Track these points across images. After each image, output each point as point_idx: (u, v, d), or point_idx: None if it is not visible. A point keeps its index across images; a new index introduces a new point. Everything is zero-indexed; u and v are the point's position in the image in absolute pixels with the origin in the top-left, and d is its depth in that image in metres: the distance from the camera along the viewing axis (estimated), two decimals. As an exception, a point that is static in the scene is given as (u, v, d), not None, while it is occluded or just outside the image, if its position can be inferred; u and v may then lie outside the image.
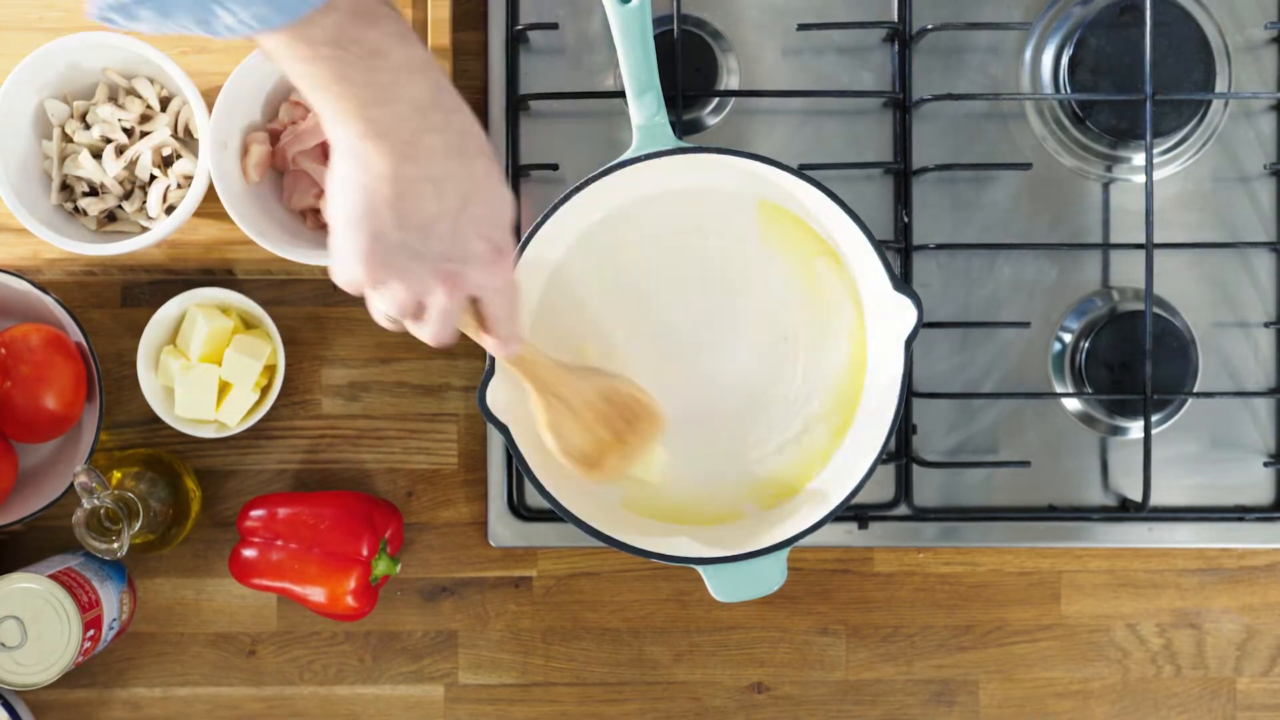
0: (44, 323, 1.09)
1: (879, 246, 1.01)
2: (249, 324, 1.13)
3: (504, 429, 1.00)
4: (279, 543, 1.09)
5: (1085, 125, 1.13)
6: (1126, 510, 1.14)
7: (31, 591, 1.04)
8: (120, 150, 1.08)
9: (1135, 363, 1.12)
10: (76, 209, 1.10)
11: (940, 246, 1.12)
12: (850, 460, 1.04)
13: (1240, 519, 1.14)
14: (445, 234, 0.84)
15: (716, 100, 1.14)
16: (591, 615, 1.16)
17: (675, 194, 1.05)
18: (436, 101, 0.82)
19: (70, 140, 1.10)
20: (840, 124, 1.14)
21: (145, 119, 1.09)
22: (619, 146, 1.07)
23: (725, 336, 1.06)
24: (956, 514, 1.14)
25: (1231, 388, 1.15)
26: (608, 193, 1.03)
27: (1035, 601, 1.16)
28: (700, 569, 1.01)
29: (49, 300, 1.07)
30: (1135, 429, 1.14)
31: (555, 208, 1.01)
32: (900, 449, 1.13)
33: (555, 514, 1.01)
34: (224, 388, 1.10)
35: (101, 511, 1.04)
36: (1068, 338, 1.15)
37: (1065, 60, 1.13)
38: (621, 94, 1.03)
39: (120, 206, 1.10)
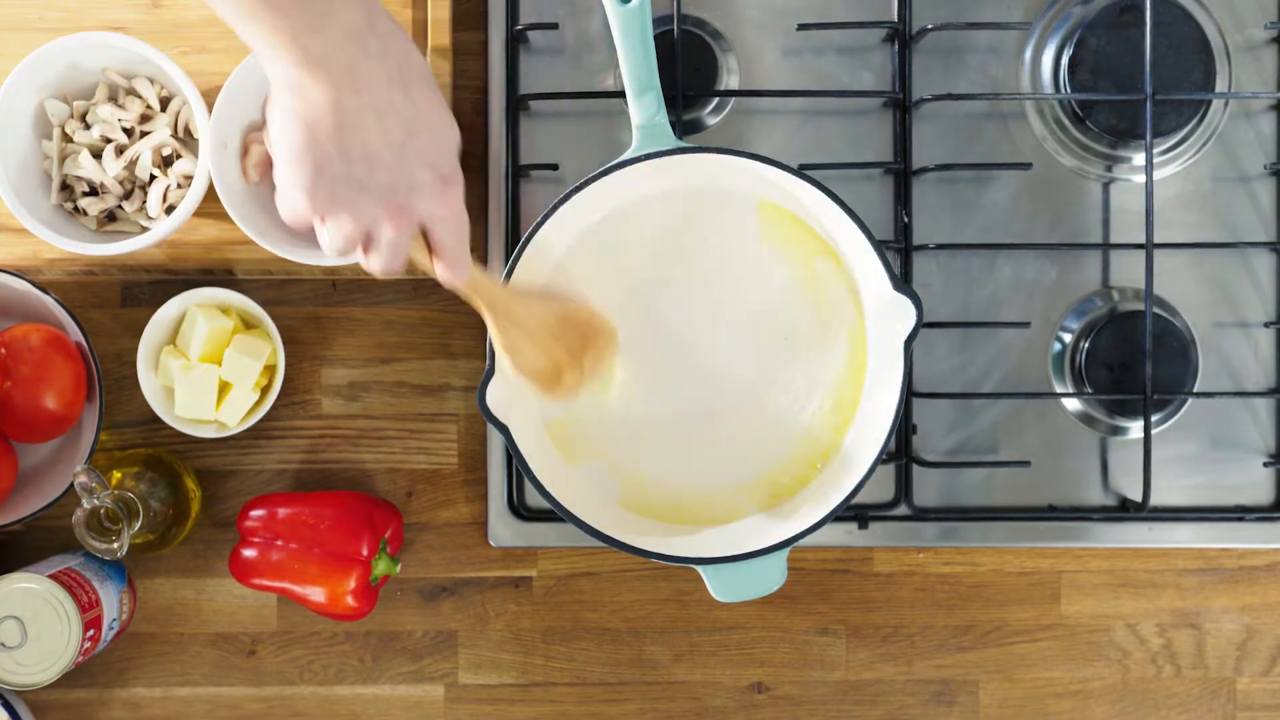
0: (44, 323, 1.09)
1: (879, 246, 1.01)
2: (249, 324, 1.13)
3: (504, 429, 1.00)
4: (279, 543, 1.09)
5: (1085, 125, 1.13)
6: (1126, 510, 1.14)
7: (31, 591, 1.04)
8: (120, 150, 1.08)
9: (1135, 363, 1.12)
10: (76, 209, 1.10)
11: (940, 246, 1.12)
12: (850, 460, 1.04)
13: (1240, 519, 1.14)
14: (390, 165, 0.83)
15: (716, 100, 1.14)
16: (591, 615, 1.16)
17: (675, 194, 1.05)
18: (372, 27, 0.81)
19: (70, 140, 1.10)
20: (840, 124, 1.14)
21: (145, 119, 1.09)
22: (619, 146, 1.07)
23: (725, 336, 1.06)
24: (956, 514, 1.14)
25: (1231, 388, 1.15)
26: (608, 193, 1.03)
27: (1035, 601, 1.16)
28: (700, 569, 1.01)
29: (49, 300, 1.07)
30: (1135, 429, 1.14)
31: (555, 208, 1.01)
32: (900, 449, 1.13)
33: (555, 514, 1.01)
34: (224, 388, 1.09)
35: (101, 511, 1.04)
36: (1068, 338, 1.15)
37: (1065, 60, 1.13)
38: (621, 94, 1.03)
39: (120, 206, 1.10)
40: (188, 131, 1.10)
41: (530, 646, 1.16)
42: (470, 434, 1.16)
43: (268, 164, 1.09)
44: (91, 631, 1.06)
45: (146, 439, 1.15)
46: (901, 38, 1.13)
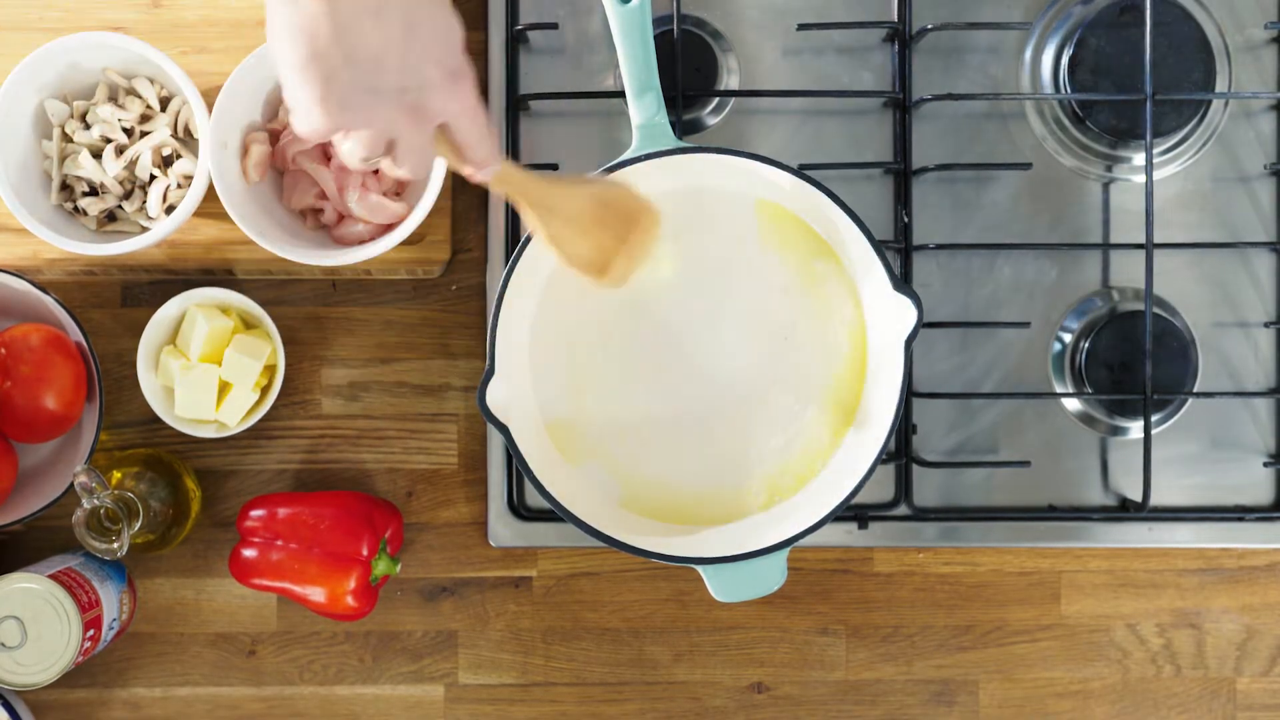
0: (44, 323, 1.09)
1: (879, 246, 1.01)
2: (249, 324, 1.13)
3: (504, 429, 1.00)
4: (279, 543, 1.09)
5: (1085, 125, 1.13)
6: (1126, 510, 1.14)
7: (31, 591, 1.04)
8: (120, 150, 1.08)
9: (1135, 363, 1.12)
10: (76, 209, 1.10)
11: (940, 246, 1.12)
12: (850, 460, 1.04)
13: (1240, 519, 1.14)
14: (396, 65, 0.82)
15: (716, 100, 1.14)
16: (591, 615, 1.16)
17: (675, 194, 1.05)
18: None
19: (70, 140, 1.10)
20: (840, 124, 1.14)
21: (145, 119, 1.09)
22: (619, 146, 1.08)
23: (725, 336, 1.06)
24: (956, 514, 1.14)
25: (1231, 388, 1.15)
26: (608, 193, 1.03)
27: (1035, 601, 1.16)
28: (700, 569, 1.01)
29: (49, 300, 1.07)
30: (1135, 429, 1.14)
31: (555, 208, 1.01)
32: (900, 449, 1.13)
33: (555, 514, 1.01)
34: (224, 388, 1.09)
35: (101, 511, 1.04)
36: (1068, 338, 1.15)
37: (1065, 60, 1.13)
38: (621, 94, 1.03)
39: (120, 206, 1.10)
40: (188, 131, 1.10)
41: (530, 646, 1.16)
42: (470, 434, 1.16)
43: (267, 164, 1.09)
44: (91, 631, 1.06)
45: (146, 439, 1.15)
46: (901, 38, 1.13)
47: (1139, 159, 1.14)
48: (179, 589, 1.16)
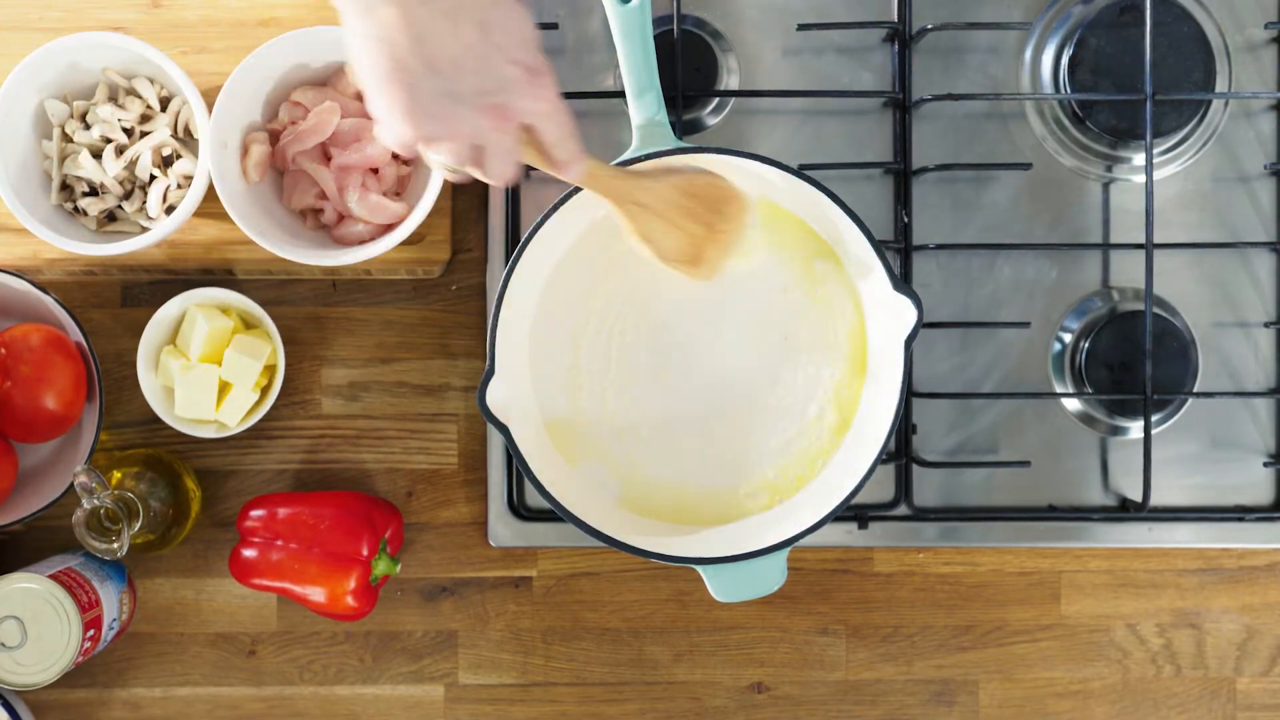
0: (44, 323, 1.09)
1: (879, 246, 1.01)
2: (249, 324, 1.13)
3: (504, 429, 1.00)
4: (279, 543, 1.09)
5: (1085, 125, 1.13)
6: (1126, 510, 1.14)
7: (31, 591, 1.04)
8: (120, 150, 1.08)
9: (1135, 363, 1.12)
10: (76, 209, 1.10)
11: (940, 246, 1.12)
12: (850, 460, 1.04)
13: (1240, 519, 1.14)
14: (475, 68, 0.82)
15: (716, 100, 1.14)
16: (591, 615, 1.16)
17: (675, 194, 1.05)
18: None
19: (70, 140, 1.10)
20: (840, 124, 1.14)
21: (145, 119, 1.09)
22: (619, 147, 1.07)
23: (725, 337, 1.06)
24: (956, 514, 1.14)
25: (1231, 388, 1.15)
26: (608, 193, 1.03)
27: (1035, 601, 1.16)
28: (700, 569, 1.01)
29: (49, 300, 1.07)
30: (1135, 429, 1.14)
31: (555, 208, 1.01)
32: (900, 449, 1.13)
33: (555, 514, 1.01)
34: (224, 388, 1.09)
35: (101, 511, 1.04)
36: (1068, 338, 1.15)
37: (1065, 60, 1.13)
38: (621, 94, 1.03)
39: (120, 206, 1.10)
40: (188, 131, 1.10)
41: (530, 646, 1.16)
42: (470, 434, 1.16)
43: (267, 164, 1.09)
44: (91, 631, 1.06)
45: (146, 439, 1.15)
46: (901, 38, 1.13)
47: (1139, 159, 1.14)
48: (179, 589, 1.16)
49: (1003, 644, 1.17)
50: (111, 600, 1.09)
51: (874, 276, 1.02)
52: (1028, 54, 1.15)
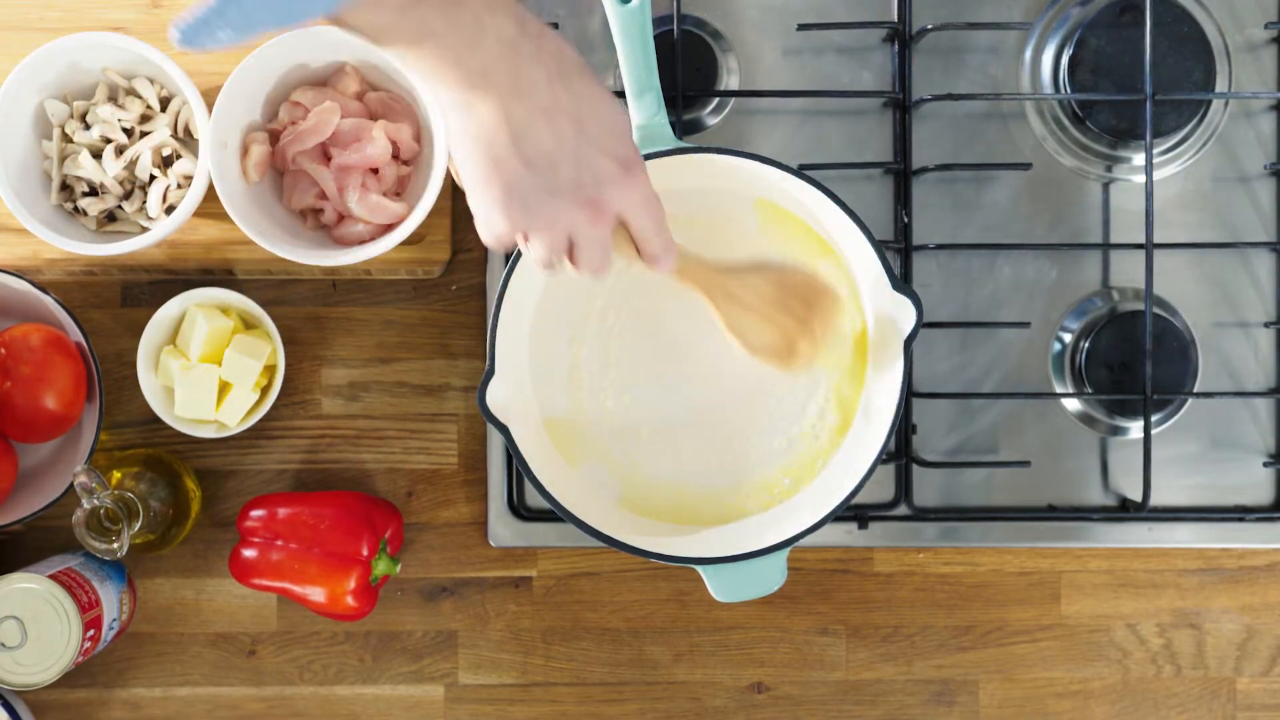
0: (44, 323, 1.09)
1: (879, 246, 1.01)
2: (249, 324, 1.13)
3: (504, 429, 1.00)
4: (279, 543, 1.09)
5: (1085, 125, 1.13)
6: (1126, 510, 1.14)
7: (31, 591, 1.04)
8: (120, 150, 1.08)
9: (1135, 363, 1.12)
10: (76, 209, 1.10)
11: (940, 246, 1.12)
12: (850, 460, 1.04)
13: (1240, 519, 1.14)
14: (571, 163, 0.83)
15: (716, 100, 1.14)
16: (591, 615, 1.16)
17: (675, 194, 1.05)
18: (523, 31, 0.81)
19: (70, 140, 1.10)
20: (840, 124, 1.14)
21: (145, 119, 1.09)
22: (619, 146, 1.07)
23: (725, 337, 1.06)
24: (956, 514, 1.14)
25: (1231, 388, 1.15)
26: (608, 193, 1.03)
27: (1035, 601, 1.16)
28: (700, 569, 1.01)
29: (49, 300, 1.07)
30: (1135, 429, 1.14)
31: (555, 208, 1.01)
32: (900, 449, 1.13)
33: (555, 514, 1.01)
34: (224, 388, 1.09)
35: (101, 511, 1.04)
36: (1068, 338, 1.15)
37: (1065, 60, 1.13)
38: (621, 94, 1.03)
39: (120, 206, 1.10)
40: (188, 131, 1.10)
41: (530, 646, 1.16)
42: (470, 434, 1.16)
43: (267, 164, 1.09)
44: (91, 631, 1.06)
45: (146, 439, 1.15)
46: (901, 38, 1.13)
47: (1139, 159, 1.14)
48: (179, 589, 1.16)
49: (1003, 644, 1.17)
50: (111, 600, 1.09)
51: (874, 276, 1.02)
52: (1028, 54, 1.15)
